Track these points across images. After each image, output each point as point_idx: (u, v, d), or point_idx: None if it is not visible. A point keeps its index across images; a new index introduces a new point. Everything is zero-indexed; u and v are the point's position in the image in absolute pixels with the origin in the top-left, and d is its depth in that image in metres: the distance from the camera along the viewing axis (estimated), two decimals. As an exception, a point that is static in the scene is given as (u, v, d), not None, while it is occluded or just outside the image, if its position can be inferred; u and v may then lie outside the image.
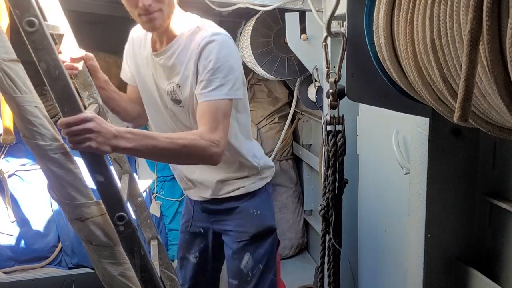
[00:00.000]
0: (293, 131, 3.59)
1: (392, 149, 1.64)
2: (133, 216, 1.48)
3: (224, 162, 1.54)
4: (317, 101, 2.59)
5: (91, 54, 1.50)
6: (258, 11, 2.52)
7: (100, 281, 1.15)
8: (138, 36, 1.60)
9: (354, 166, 2.13)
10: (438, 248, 1.30)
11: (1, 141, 1.93)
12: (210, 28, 1.45)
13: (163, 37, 1.48)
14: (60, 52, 1.38)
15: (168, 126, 1.59)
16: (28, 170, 3.07)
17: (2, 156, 3.00)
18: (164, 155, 1.22)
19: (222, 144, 1.33)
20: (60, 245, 3.17)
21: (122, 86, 3.47)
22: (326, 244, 1.28)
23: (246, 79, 3.65)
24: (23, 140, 1.04)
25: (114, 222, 1.07)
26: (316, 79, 2.48)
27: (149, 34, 1.53)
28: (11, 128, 1.88)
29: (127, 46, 1.67)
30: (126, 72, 1.72)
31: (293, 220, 3.58)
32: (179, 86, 1.46)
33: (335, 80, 1.13)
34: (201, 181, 1.66)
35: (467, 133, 1.24)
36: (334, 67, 1.15)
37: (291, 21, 2.39)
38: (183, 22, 1.47)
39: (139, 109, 1.70)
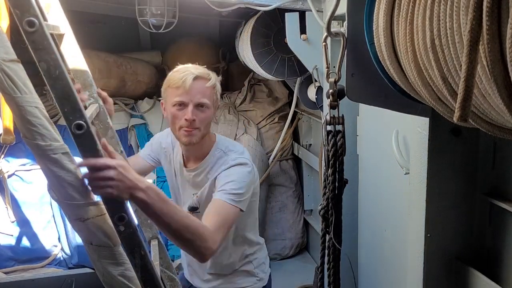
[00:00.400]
0: (293, 131, 3.59)
1: (392, 149, 1.64)
2: (133, 216, 1.48)
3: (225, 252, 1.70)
4: (317, 101, 2.59)
5: (110, 100, 1.62)
6: (258, 11, 2.53)
7: (100, 281, 1.15)
8: (167, 145, 1.77)
9: (354, 166, 2.13)
10: (438, 248, 1.30)
11: (1, 141, 1.93)
12: (232, 155, 1.62)
13: (191, 156, 1.66)
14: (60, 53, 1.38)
15: None
16: (28, 170, 3.07)
17: (2, 156, 3.00)
18: (171, 225, 1.25)
19: (217, 247, 1.40)
20: (60, 245, 3.17)
21: (121, 86, 3.47)
22: (326, 244, 1.28)
23: (246, 79, 3.67)
24: (23, 140, 1.03)
25: (114, 222, 1.07)
26: (316, 79, 2.48)
27: (178, 146, 1.70)
28: (11, 128, 1.89)
29: (157, 142, 1.82)
30: (149, 152, 1.85)
31: (293, 220, 3.58)
32: (197, 197, 1.64)
33: (335, 80, 1.13)
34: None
35: (467, 133, 1.24)
36: (334, 67, 1.15)
37: (291, 21, 2.39)
38: (211, 142, 1.65)
39: None
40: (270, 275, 1.84)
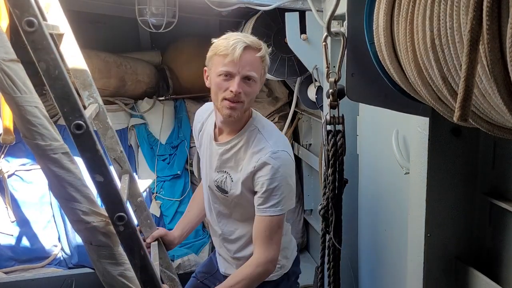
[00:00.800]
0: (293, 131, 3.59)
1: (392, 149, 1.63)
2: (133, 216, 1.48)
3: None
4: (317, 101, 2.59)
5: (163, 231, 1.67)
6: (258, 10, 2.52)
7: (100, 281, 1.15)
8: (203, 119, 1.70)
9: (354, 166, 2.13)
10: (438, 248, 1.29)
11: (1, 141, 1.93)
12: (269, 139, 1.50)
13: (226, 128, 1.55)
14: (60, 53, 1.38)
15: (207, 197, 1.68)
16: (28, 170, 3.06)
17: (2, 156, 3.00)
18: None
19: (276, 257, 1.49)
20: (60, 245, 3.17)
21: (121, 85, 3.46)
22: (326, 244, 1.28)
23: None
24: (23, 140, 1.04)
25: (114, 222, 1.07)
26: (316, 78, 2.48)
27: (212, 117, 1.61)
28: (11, 128, 1.89)
29: (196, 125, 1.76)
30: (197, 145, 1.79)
31: (293, 220, 3.58)
32: (232, 181, 1.54)
33: (335, 79, 1.13)
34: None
35: (467, 132, 1.24)
36: (334, 66, 1.15)
37: (291, 21, 2.38)
38: (247, 118, 1.55)
39: None
40: (296, 260, 1.74)
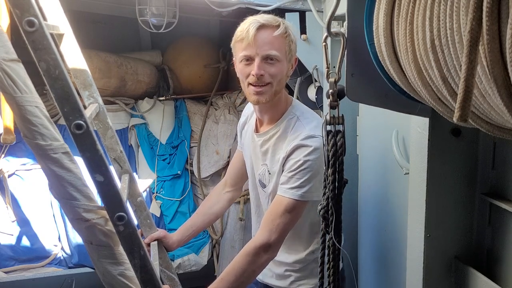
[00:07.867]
0: (293, 131, 3.58)
1: (391, 149, 1.64)
2: (133, 216, 1.48)
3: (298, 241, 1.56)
4: (317, 101, 2.59)
5: (162, 233, 1.62)
6: (258, 11, 2.53)
7: (101, 280, 1.15)
8: (249, 113, 1.66)
9: (354, 166, 2.13)
10: (438, 248, 1.30)
11: (1, 141, 1.93)
12: (307, 125, 1.43)
13: (265, 117, 1.51)
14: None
15: (255, 195, 1.63)
16: (28, 170, 3.07)
17: (3, 155, 3.00)
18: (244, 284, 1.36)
19: (272, 244, 1.37)
20: (60, 244, 3.17)
21: (122, 85, 3.46)
22: (326, 244, 1.28)
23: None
24: (24, 140, 1.04)
25: (113, 222, 1.07)
26: (316, 79, 2.48)
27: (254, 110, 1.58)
28: (12, 127, 1.89)
29: (241, 119, 1.73)
30: (239, 140, 1.75)
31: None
32: (270, 174, 1.48)
33: (335, 80, 1.13)
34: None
35: (467, 133, 1.24)
36: (334, 67, 1.15)
37: (291, 21, 2.37)
38: (286, 106, 1.49)
39: (225, 204, 1.79)
40: None
